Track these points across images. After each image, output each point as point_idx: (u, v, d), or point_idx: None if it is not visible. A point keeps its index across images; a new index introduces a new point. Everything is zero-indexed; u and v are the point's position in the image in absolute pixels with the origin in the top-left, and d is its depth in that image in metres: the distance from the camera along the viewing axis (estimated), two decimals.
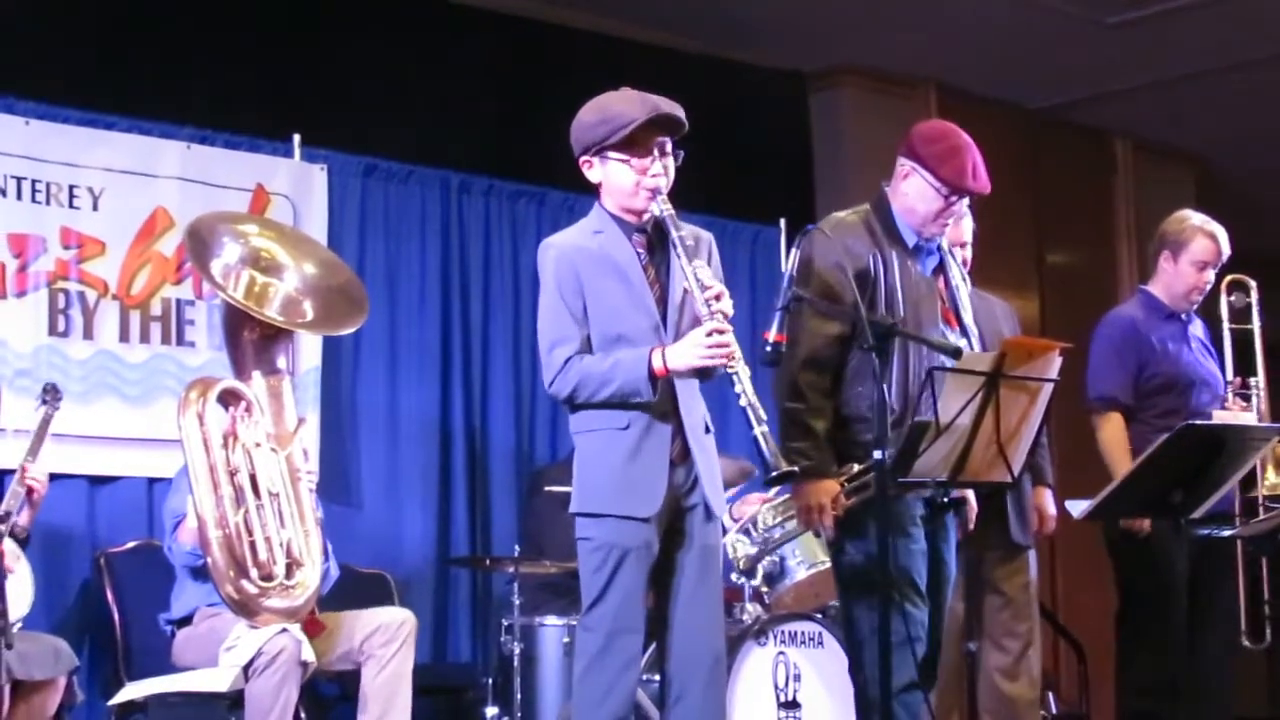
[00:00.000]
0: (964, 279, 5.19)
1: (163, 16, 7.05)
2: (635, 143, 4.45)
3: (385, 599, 6.94)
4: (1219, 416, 6.01)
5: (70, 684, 5.68)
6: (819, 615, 6.45)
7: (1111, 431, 6.11)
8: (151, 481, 6.73)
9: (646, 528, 4.41)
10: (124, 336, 6.80)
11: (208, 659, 5.73)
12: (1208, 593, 6.02)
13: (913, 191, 4.93)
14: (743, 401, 4.31)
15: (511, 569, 6.58)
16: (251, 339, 5.58)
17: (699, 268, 4.41)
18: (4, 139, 6.59)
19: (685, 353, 4.35)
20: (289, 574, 5.44)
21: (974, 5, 8.39)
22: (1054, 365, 4.68)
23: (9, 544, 5.67)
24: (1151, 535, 5.84)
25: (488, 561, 7.07)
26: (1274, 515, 5.83)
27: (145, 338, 6.85)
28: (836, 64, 9.11)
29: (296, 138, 7.30)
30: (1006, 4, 8.40)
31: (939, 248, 5.06)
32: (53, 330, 6.64)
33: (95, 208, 6.77)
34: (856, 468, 4.78)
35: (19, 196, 6.60)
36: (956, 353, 4.52)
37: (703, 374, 4.47)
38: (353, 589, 6.56)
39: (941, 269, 5.07)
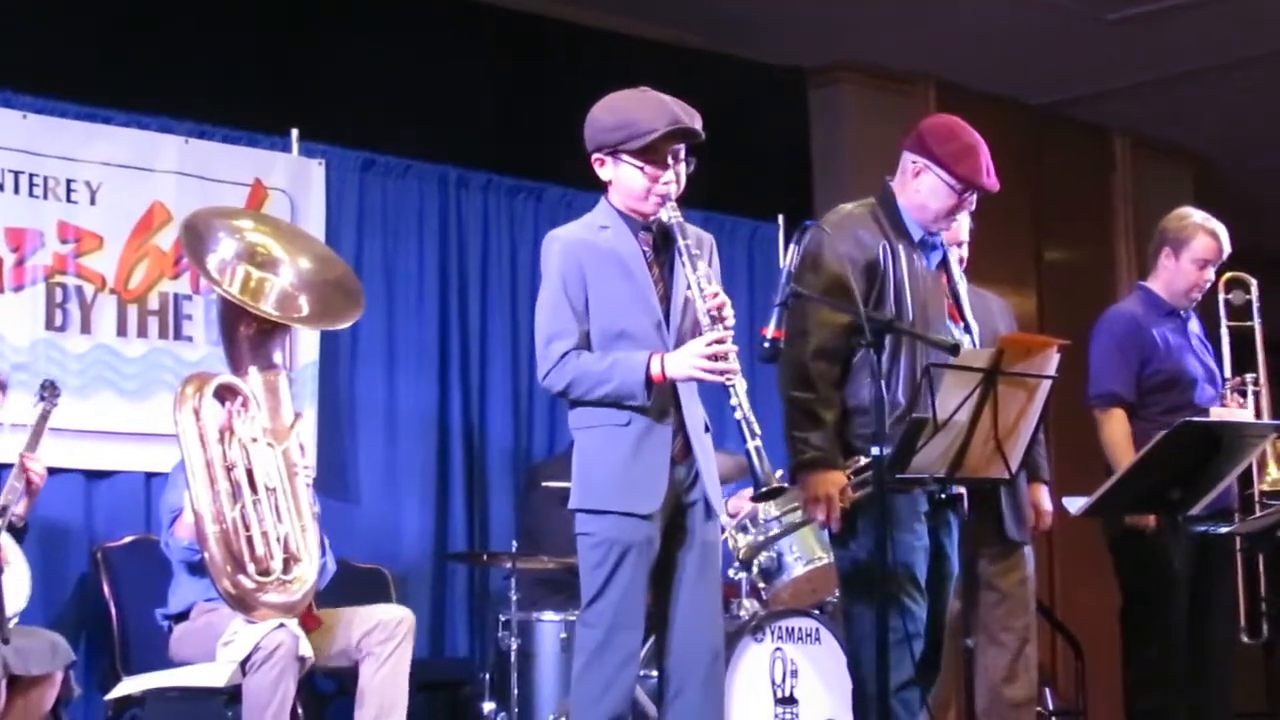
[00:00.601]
0: (962, 277, 5.20)
1: (161, 11, 7.04)
2: (651, 150, 4.44)
3: (382, 594, 6.94)
4: (1216, 413, 6.01)
5: (67, 679, 5.68)
6: (816, 611, 6.46)
7: (1115, 428, 6.10)
8: (149, 476, 6.72)
9: (648, 524, 4.41)
10: (121, 331, 6.80)
11: (205, 654, 5.73)
12: (1208, 589, 6.02)
13: (925, 188, 4.94)
14: (738, 414, 4.32)
15: (509, 564, 6.58)
16: (248, 334, 5.58)
17: (703, 277, 4.41)
18: (1, 133, 6.58)
19: (684, 362, 4.36)
20: (286, 569, 5.44)
21: (974, 2, 8.39)
22: (1052, 362, 4.68)
23: (6, 538, 5.68)
24: (1152, 532, 5.83)
25: (485, 557, 7.08)
26: (1271, 512, 5.83)
27: (143, 332, 6.85)
28: (836, 60, 9.11)
29: (294, 132, 7.29)
30: (1006, 1, 8.39)
31: (941, 243, 5.07)
32: (50, 324, 6.63)
33: (93, 202, 6.77)
34: (863, 460, 4.76)
35: (16, 190, 6.59)
36: (955, 349, 4.53)
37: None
38: (350, 584, 6.55)
39: (944, 264, 5.09)
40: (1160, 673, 5.76)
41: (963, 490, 4.96)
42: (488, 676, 6.72)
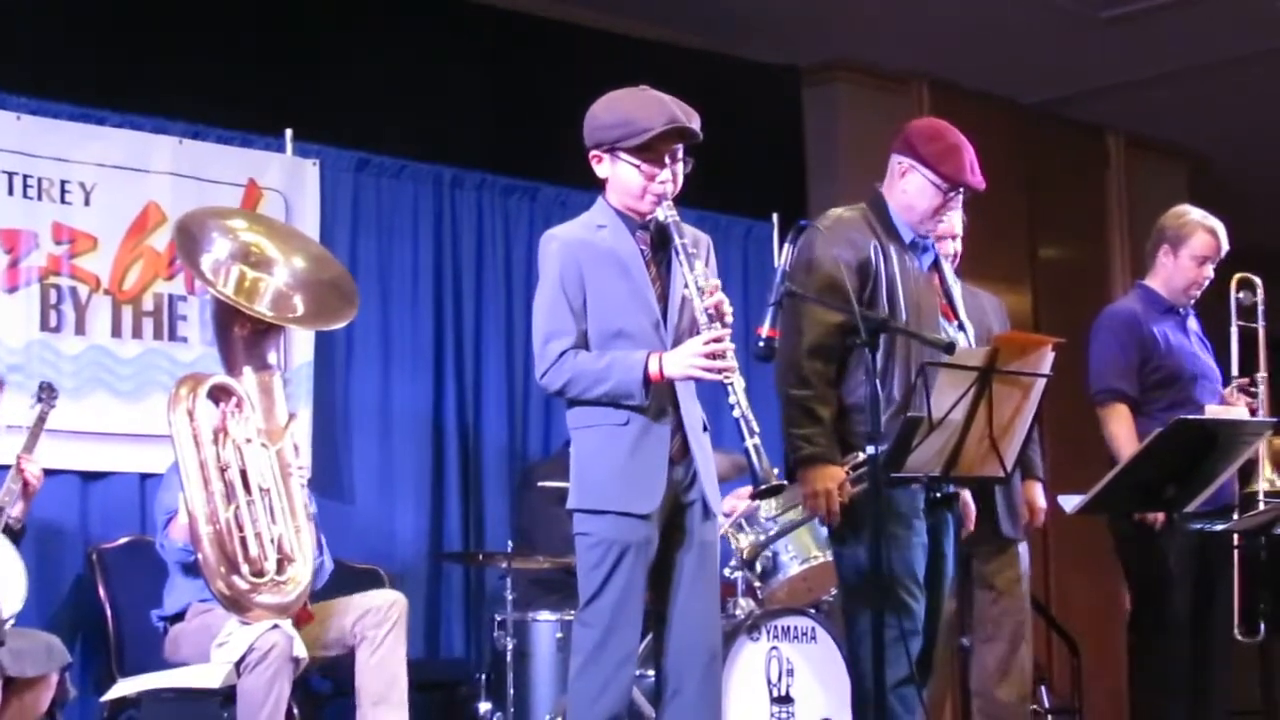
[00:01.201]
0: (954, 277, 5.22)
1: (155, 12, 7.04)
2: (649, 149, 4.44)
3: None
4: (1212, 411, 6.01)
5: (63, 680, 5.68)
6: (812, 610, 6.46)
7: (1120, 423, 6.10)
8: (144, 477, 6.72)
9: (646, 524, 4.40)
10: (116, 332, 6.79)
11: (200, 655, 5.73)
12: (1209, 587, 6.02)
13: (912, 188, 4.98)
14: (736, 413, 4.32)
15: (504, 564, 6.58)
16: (242, 334, 5.57)
17: (700, 276, 4.41)
18: None
19: (682, 361, 4.36)
20: (280, 570, 5.43)
21: (968, 1, 8.38)
22: (1047, 360, 4.69)
23: (2, 539, 5.68)
24: (1156, 532, 5.83)
25: (480, 557, 7.08)
26: (1267, 510, 5.84)
27: (137, 333, 6.85)
28: (830, 59, 9.11)
29: (289, 133, 7.28)
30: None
31: (932, 245, 5.10)
32: (44, 325, 6.63)
33: (87, 203, 6.76)
34: (862, 456, 4.77)
35: (10, 192, 6.59)
36: (950, 348, 4.54)
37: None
38: (345, 584, 6.54)
39: (935, 266, 5.12)
40: (1166, 669, 5.76)
41: (960, 489, 4.98)
42: (483, 677, 6.72)
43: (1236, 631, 6.00)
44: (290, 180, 7.28)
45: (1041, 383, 4.69)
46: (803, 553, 6.46)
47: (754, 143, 8.58)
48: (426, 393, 7.65)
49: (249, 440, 5.46)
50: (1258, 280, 6.44)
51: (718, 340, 4.32)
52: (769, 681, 6.21)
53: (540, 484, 6.76)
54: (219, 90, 7.13)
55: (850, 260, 4.85)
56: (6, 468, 5.98)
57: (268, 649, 5.47)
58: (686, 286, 4.43)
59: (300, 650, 5.56)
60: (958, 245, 5.65)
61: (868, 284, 4.85)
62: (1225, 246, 6.24)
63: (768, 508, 6.33)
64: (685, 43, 8.59)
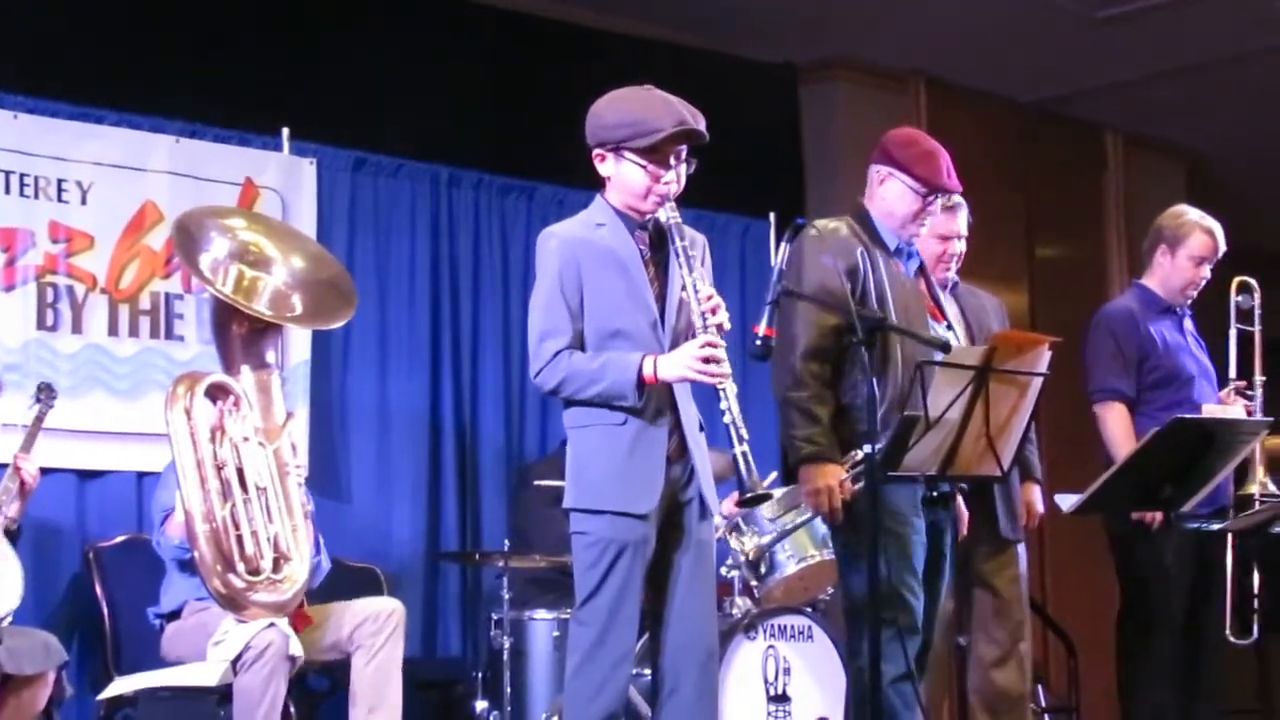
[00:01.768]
0: (943, 286, 5.27)
1: (152, 10, 7.04)
2: (655, 150, 4.44)
3: (374, 593, 6.92)
4: (1209, 410, 6.01)
5: (60, 679, 5.69)
6: (808, 609, 6.46)
7: (1117, 423, 6.11)
8: (140, 475, 6.72)
9: (643, 524, 4.40)
10: (113, 330, 6.79)
11: (197, 653, 5.73)
12: (1205, 587, 6.02)
13: (891, 195, 5.06)
14: (727, 419, 4.32)
15: (501, 563, 6.58)
16: (240, 333, 5.57)
17: (698, 280, 4.41)
18: None
19: (676, 365, 4.35)
20: (276, 568, 5.44)
21: None
22: (1043, 359, 4.70)
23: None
24: (1152, 531, 5.84)
25: (477, 556, 7.07)
26: (1262, 510, 5.84)
27: (134, 332, 6.84)
28: (827, 57, 9.11)
29: (285, 131, 7.28)
30: None
31: (916, 252, 5.18)
32: (41, 324, 6.63)
33: (84, 201, 6.76)
34: (860, 454, 4.80)
35: (7, 190, 6.58)
36: (945, 347, 4.55)
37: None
38: (342, 583, 6.55)
39: (922, 272, 5.19)
40: (1156, 670, 5.77)
41: (956, 487, 4.99)
42: (480, 675, 6.71)
43: (1228, 632, 6.00)
44: (287, 179, 7.28)
45: (1038, 382, 4.70)
46: (799, 552, 6.46)
47: (751, 141, 8.57)
48: (423, 392, 7.65)
49: (246, 439, 5.46)
50: (1255, 284, 6.44)
51: (713, 345, 4.32)
52: (766, 680, 6.21)
53: (537, 483, 6.76)
54: (216, 89, 7.13)
55: (840, 266, 4.90)
56: (3, 467, 5.98)
57: (264, 647, 5.47)
58: (684, 289, 4.43)
59: (296, 648, 5.56)
60: (962, 246, 5.66)
61: (857, 289, 4.89)
62: (1223, 247, 6.25)
63: (768, 509, 6.33)
64: (683, 41, 8.59)
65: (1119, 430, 6.10)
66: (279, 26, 7.38)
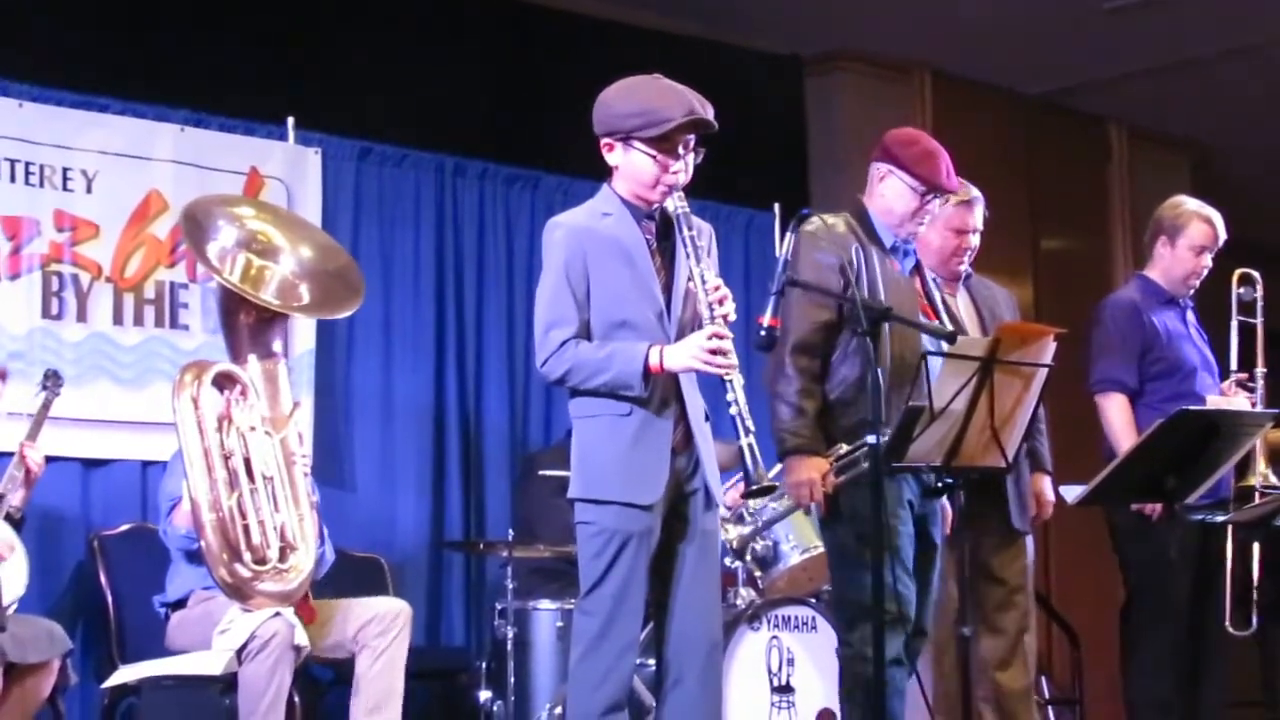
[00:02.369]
0: (936, 283, 5.30)
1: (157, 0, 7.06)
2: (665, 139, 4.43)
3: (379, 583, 6.95)
4: (1213, 402, 6.01)
5: (64, 667, 5.69)
6: (812, 600, 6.46)
7: (1118, 413, 6.11)
8: (145, 464, 6.73)
9: (648, 514, 4.40)
10: (118, 319, 6.80)
11: (202, 642, 5.74)
12: (1209, 579, 6.02)
13: (890, 193, 5.10)
14: (733, 410, 4.33)
15: (505, 553, 6.58)
16: (247, 322, 5.57)
17: (705, 270, 4.41)
18: None
19: (683, 355, 4.35)
20: (282, 558, 5.43)
21: None
22: (1048, 350, 4.69)
23: (3, 526, 5.68)
24: (1153, 522, 5.84)
25: (481, 545, 7.07)
26: (1266, 501, 5.84)
27: (139, 320, 6.85)
28: (832, 49, 9.10)
29: (290, 120, 7.29)
30: None
31: (913, 250, 5.21)
32: (46, 313, 6.63)
33: (89, 190, 6.77)
34: (845, 448, 4.85)
35: (13, 179, 6.59)
36: (951, 337, 4.55)
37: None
38: (347, 573, 6.56)
39: (918, 270, 5.22)
40: (1159, 661, 5.77)
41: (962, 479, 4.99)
42: (484, 665, 6.72)
43: (1228, 624, 5.99)
44: (292, 168, 7.28)
45: (1043, 373, 4.70)
46: (803, 542, 6.47)
47: (756, 133, 8.57)
48: (428, 382, 7.66)
49: (253, 428, 5.46)
50: (1258, 276, 6.43)
51: (720, 336, 4.32)
52: (769, 671, 6.21)
53: (541, 473, 6.76)
54: (221, 78, 7.13)
55: (832, 262, 4.95)
56: (6, 454, 5.99)
57: (269, 637, 5.48)
58: (691, 280, 4.43)
59: (302, 638, 5.57)
60: (977, 240, 5.67)
61: (849, 285, 4.91)
62: (1223, 236, 6.25)
63: (756, 501, 6.34)
64: (688, 32, 8.59)
65: (1120, 421, 6.11)
66: (284, 15, 7.38)
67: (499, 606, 6.63)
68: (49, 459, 6.08)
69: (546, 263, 4.51)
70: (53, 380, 6.07)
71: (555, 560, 6.72)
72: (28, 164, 6.63)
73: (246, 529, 5.33)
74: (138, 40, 6.98)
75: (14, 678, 5.50)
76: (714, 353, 4.31)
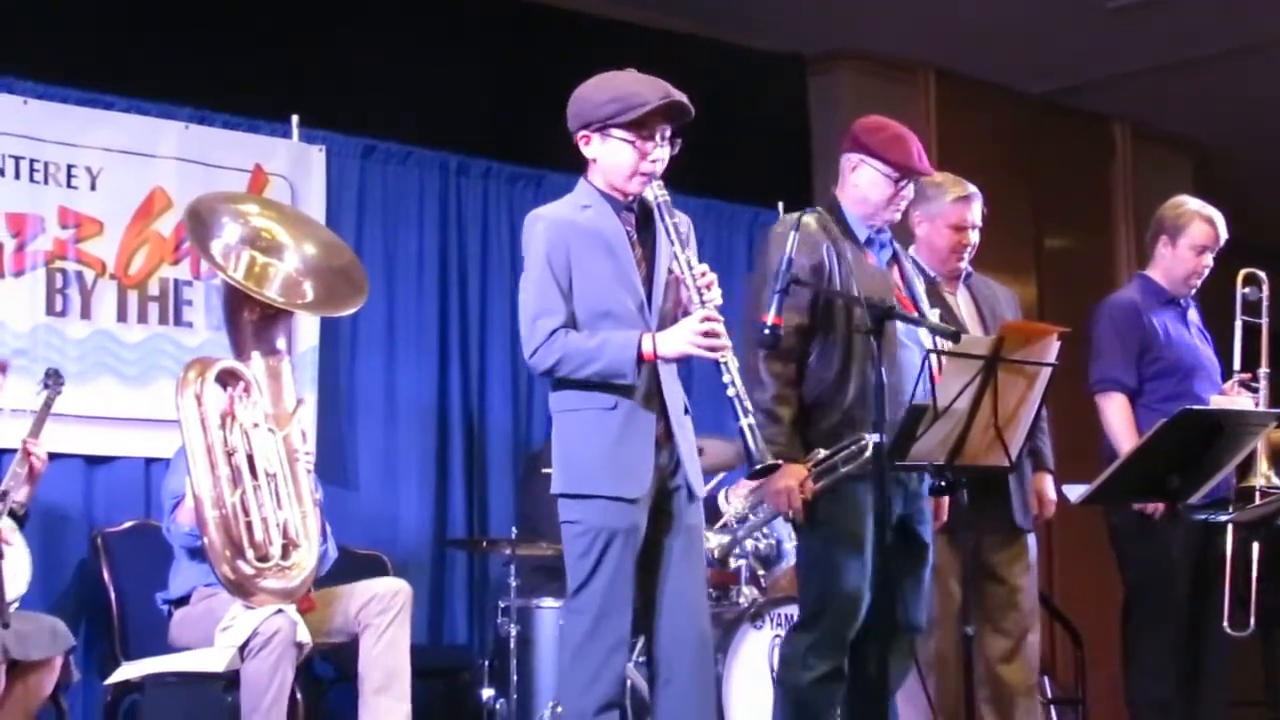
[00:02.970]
0: (918, 273, 5.25)
1: None
2: (642, 125, 4.43)
3: None
4: (1217, 401, 6.01)
5: (67, 664, 5.69)
6: None
7: (1117, 413, 6.11)
8: (149, 462, 6.73)
9: (635, 509, 4.38)
10: (122, 316, 6.80)
11: (205, 639, 5.74)
12: (1208, 579, 6.02)
13: (863, 181, 5.02)
14: (731, 392, 4.30)
15: (508, 551, 6.59)
16: (251, 319, 5.58)
17: (691, 256, 4.40)
18: (2, 118, 6.58)
19: (676, 340, 4.33)
20: (285, 555, 5.44)
21: None
22: (1052, 349, 4.69)
23: (6, 522, 5.69)
24: (1153, 521, 5.84)
25: (484, 543, 7.08)
26: (1269, 501, 5.84)
27: (143, 318, 6.86)
28: (835, 48, 9.10)
29: (295, 118, 7.29)
30: None
31: (890, 241, 5.12)
32: (50, 310, 6.64)
33: (93, 187, 6.77)
34: (823, 453, 4.81)
35: (17, 176, 6.60)
36: (956, 336, 4.54)
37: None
38: (349, 570, 6.54)
39: (896, 260, 5.13)
40: (1161, 661, 5.77)
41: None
42: (487, 663, 6.73)
43: (1226, 624, 5.99)
44: (296, 166, 7.29)
45: (1047, 372, 4.69)
46: None
47: (759, 131, 8.58)
48: (431, 379, 7.66)
49: (256, 425, 5.47)
50: (1263, 276, 6.43)
51: (712, 319, 4.31)
52: (773, 669, 6.21)
53: (545, 470, 6.73)
54: (225, 75, 7.14)
55: (803, 263, 4.86)
56: (7, 451, 5.99)
57: (272, 634, 5.48)
58: (676, 263, 4.40)
59: (304, 635, 5.57)
60: (976, 236, 5.66)
61: (823, 284, 4.86)
62: (1224, 235, 6.24)
63: (735, 506, 6.33)
64: (691, 31, 8.59)
65: (1119, 421, 6.11)
66: (289, 13, 7.38)
67: (502, 604, 6.64)
68: (52, 456, 6.07)
69: (529, 255, 4.50)
70: (54, 379, 6.07)
71: (558, 558, 6.66)
72: (32, 161, 6.64)
73: (249, 526, 5.34)
74: (142, 38, 6.98)
75: (17, 675, 5.50)
76: (706, 336, 4.30)
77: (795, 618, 6.23)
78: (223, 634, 5.64)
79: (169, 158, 6.94)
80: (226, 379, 5.45)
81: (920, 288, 5.16)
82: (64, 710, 5.80)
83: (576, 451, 4.45)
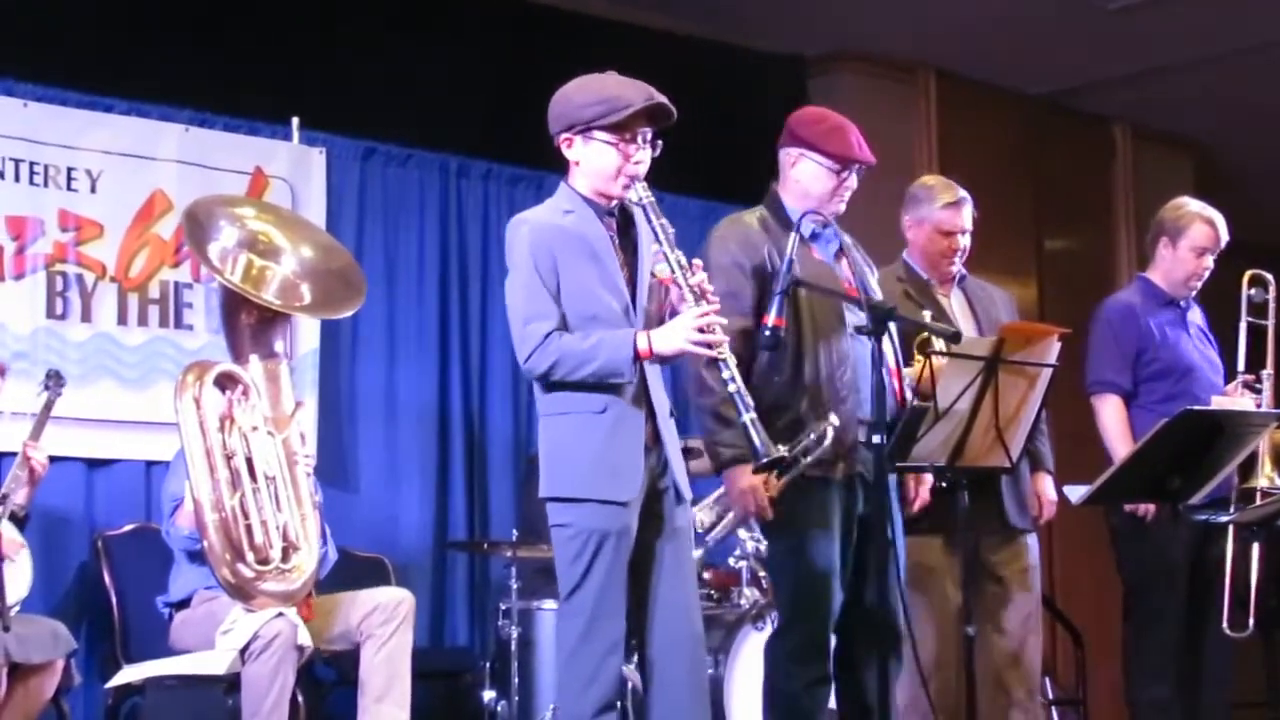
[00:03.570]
0: (869, 265, 5.15)
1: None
2: (624, 128, 4.42)
3: (383, 583, 6.94)
4: (1217, 402, 6.01)
5: (68, 667, 5.69)
6: None
7: (1111, 416, 6.11)
8: (149, 464, 6.74)
9: (625, 512, 4.36)
10: (122, 319, 6.81)
11: (205, 642, 5.74)
12: (1207, 580, 6.02)
13: (805, 175, 4.99)
14: (732, 388, 4.29)
15: (509, 553, 6.59)
16: (249, 322, 5.57)
17: (681, 257, 4.39)
18: (2, 121, 6.59)
19: (673, 337, 4.32)
20: (285, 557, 5.43)
21: None
22: (1052, 350, 4.69)
23: (7, 526, 5.68)
24: (1152, 522, 5.84)
25: (485, 546, 7.08)
26: (1270, 502, 5.83)
27: (143, 320, 6.86)
28: (836, 49, 9.10)
29: (295, 121, 7.30)
30: None
31: (836, 233, 5.02)
32: (50, 313, 6.64)
33: (93, 190, 6.77)
34: (783, 449, 4.65)
35: (17, 179, 6.60)
36: (955, 336, 4.53)
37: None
38: (350, 573, 6.56)
39: (843, 252, 5.03)
40: (1160, 662, 5.77)
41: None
42: (488, 665, 6.74)
43: (1225, 625, 5.98)
44: (296, 168, 7.29)
45: (1047, 373, 4.69)
46: None
47: (759, 132, 8.48)
48: (432, 381, 7.66)
49: (255, 428, 5.46)
50: (1269, 277, 6.42)
51: (707, 316, 4.30)
52: None
53: None
54: (225, 78, 7.14)
55: (745, 264, 4.85)
56: (8, 454, 5.99)
57: (272, 637, 5.48)
58: (667, 264, 4.36)
59: (304, 638, 5.56)
60: (967, 241, 5.64)
61: (766, 286, 4.79)
62: (1224, 237, 6.23)
63: (703, 516, 6.31)
64: (691, 32, 8.58)
65: (1113, 423, 6.11)
66: (288, 16, 7.37)
67: (503, 606, 6.64)
68: (53, 459, 6.07)
69: (514, 260, 4.46)
70: (54, 381, 6.07)
71: None
72: (32, 164, 6.65)
73: (249, 529, 5.33)
74: (142, 40, 6.98)
75: (18, 678, 5.50)
76: (702, 332, 4.30)
77: None
78: (223, 637, 5.64)
79: (169, 160, 6.94)
80: (225, 382, 5.44)
81: (872, 279, 5.06)
82: (65, 713, 5.80)
83: (566, 455, 4.43)
